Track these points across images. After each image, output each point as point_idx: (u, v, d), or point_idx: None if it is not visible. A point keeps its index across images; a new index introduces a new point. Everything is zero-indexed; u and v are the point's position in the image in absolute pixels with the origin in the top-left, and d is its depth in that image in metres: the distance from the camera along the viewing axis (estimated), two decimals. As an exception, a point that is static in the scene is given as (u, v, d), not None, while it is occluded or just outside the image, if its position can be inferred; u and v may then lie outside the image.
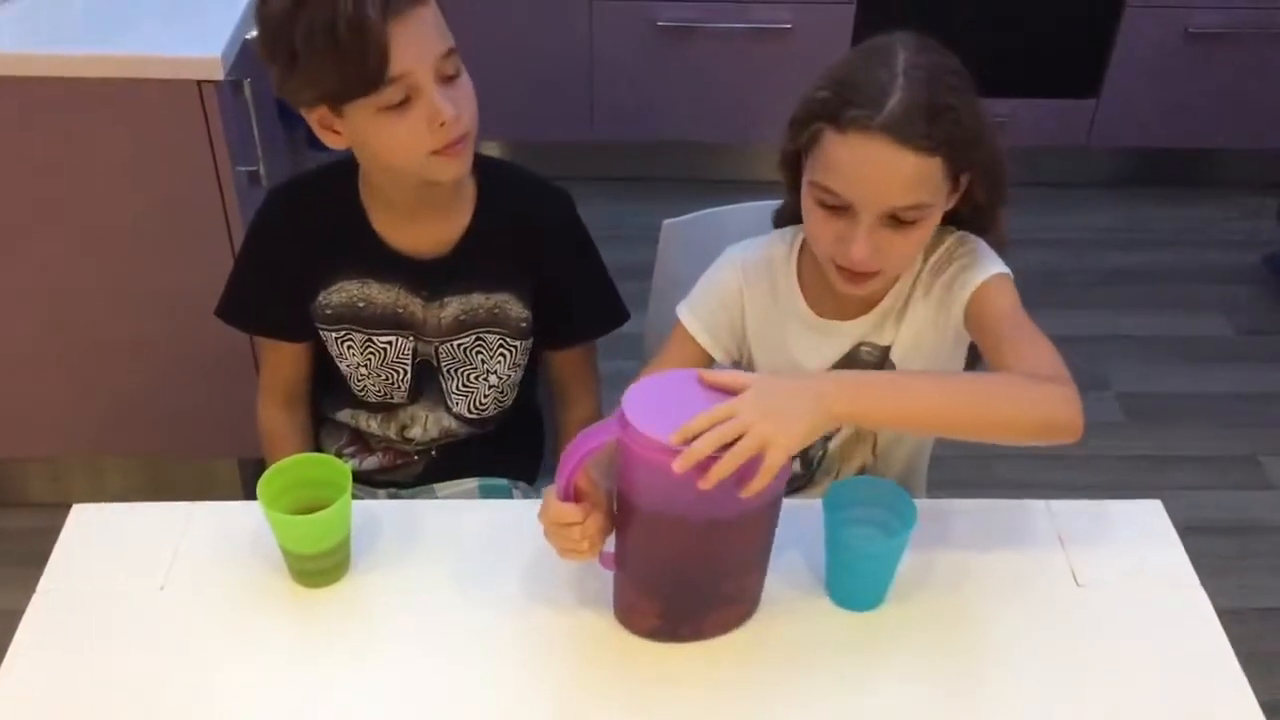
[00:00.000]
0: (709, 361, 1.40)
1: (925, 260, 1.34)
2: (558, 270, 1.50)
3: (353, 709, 1.14)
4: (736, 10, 2.96)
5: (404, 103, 1.28)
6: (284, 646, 1.20)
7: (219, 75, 1.81)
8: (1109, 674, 1.18)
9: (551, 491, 1.13)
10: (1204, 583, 1.28)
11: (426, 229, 1.44)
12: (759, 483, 1.03)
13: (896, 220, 1.22)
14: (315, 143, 2.34)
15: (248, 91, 1.90)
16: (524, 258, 1.47)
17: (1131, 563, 1.29)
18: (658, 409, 1.04)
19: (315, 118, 1.33)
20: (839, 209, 1.23)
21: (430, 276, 1.46)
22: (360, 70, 1.25)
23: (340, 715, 1.13)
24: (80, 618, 1.21)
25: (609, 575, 1.20)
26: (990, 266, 1.30)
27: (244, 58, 1.90)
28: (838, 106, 1.20)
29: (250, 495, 1.21)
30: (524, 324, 1.50)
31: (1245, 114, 3.15)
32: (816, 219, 1.26)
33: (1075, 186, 3.23)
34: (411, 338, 1.49)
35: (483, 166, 1.42)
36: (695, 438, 1.01)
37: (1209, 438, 2.59)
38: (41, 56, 1.82)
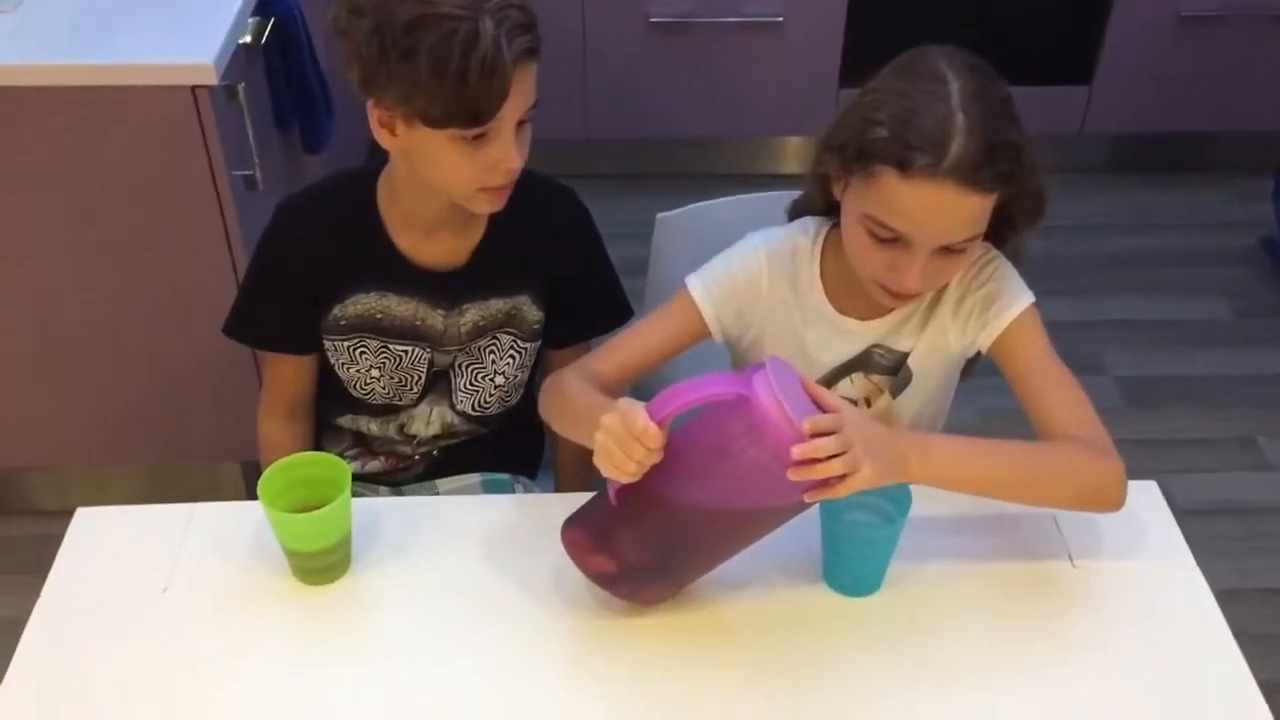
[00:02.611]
0: (702, 335, 1.39)
1: None
2: (570, 268, 1.50)
3: (356, 704, 1.15)
4: (728, 4, 2.97)
5: (479, 138, 1.27)
6: (287, 644, 1.21)
7: (213, 80, 1.82)
8: (1106, 655, 1.19)
9: (637, 406, 1.10)
10: (1204, 564, 1.28)
11: (446, 242, 1.44)
12: (826, 495, 1.09)
13: (949, 250, 1.24)
14: (310, 145, 2.36)
15: (242, 96, 1.90)
16: (538, 258, 1.47)
17: (1127, 544, 1.30)
18: (780, 390, 1.07)
19: (379, 115, 1.29)
20: (891, 240, 1.23)
21: (450, 288, 1.46)
22: (472, 108, 1.23)
23: (344, 711, 1.15)
24: (85, 620, 1.22)
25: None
26: (1022, 296, 1.33)
27: (237, 62, 1.90)
28: (901, 150, 1.18)
29: (254, 499, 1.22)
30: (537, 326, 1.51)
31: (1238, 97, 3.15)
32: (865, 246, 1.26)
33: (1070, 173, 3.22)
34: (428, 349, 1.49)
35: None
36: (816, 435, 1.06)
37: (1208, 420, 2.59)
38: (34, 66, 1.83)
